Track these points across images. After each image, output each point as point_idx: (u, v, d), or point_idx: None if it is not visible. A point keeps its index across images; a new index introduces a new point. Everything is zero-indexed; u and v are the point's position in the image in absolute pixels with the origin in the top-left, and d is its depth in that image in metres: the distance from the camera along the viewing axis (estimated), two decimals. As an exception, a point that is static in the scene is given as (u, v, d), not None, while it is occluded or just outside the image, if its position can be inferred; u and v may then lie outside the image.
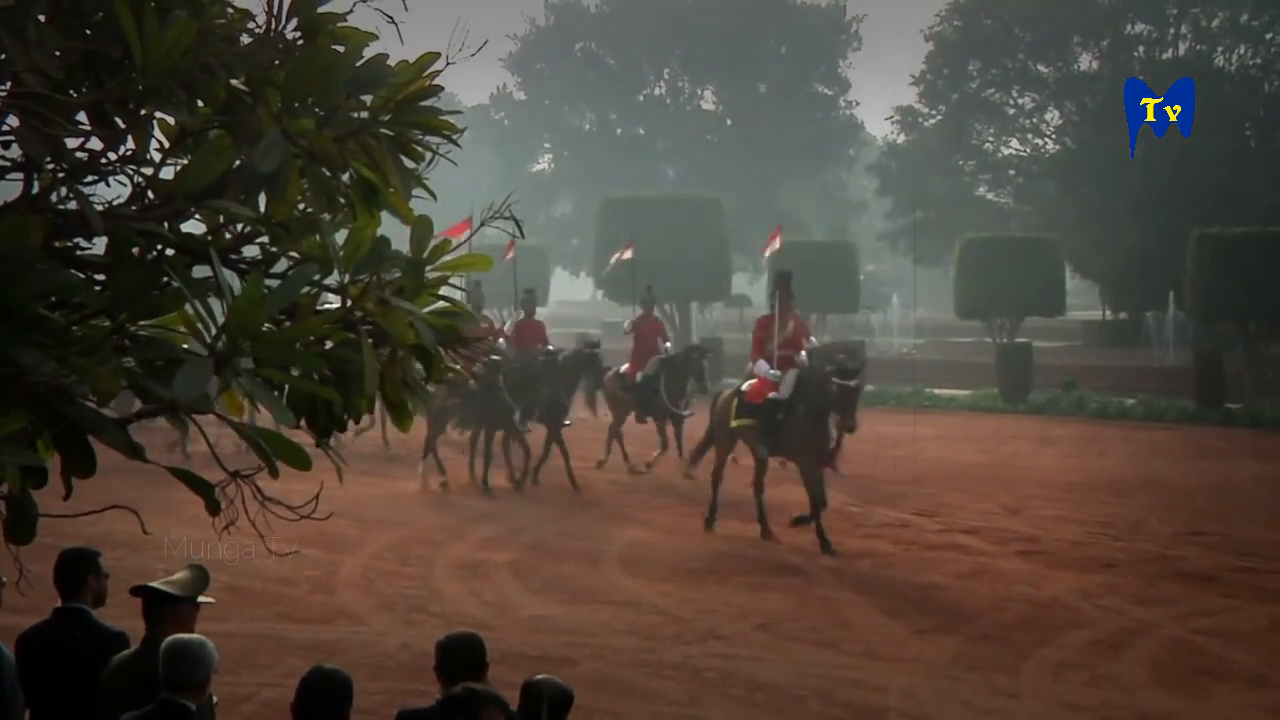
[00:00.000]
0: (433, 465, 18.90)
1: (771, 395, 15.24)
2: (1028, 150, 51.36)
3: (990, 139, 51.62)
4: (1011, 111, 50.77)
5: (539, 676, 5.40)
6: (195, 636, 4.92)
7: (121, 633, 5.66)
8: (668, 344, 21.76)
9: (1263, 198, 40.45)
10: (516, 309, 21.59)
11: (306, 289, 3.33)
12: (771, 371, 15.42)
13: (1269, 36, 45.59)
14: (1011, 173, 51.42)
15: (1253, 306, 30.64)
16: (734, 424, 15.74)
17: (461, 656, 5.37)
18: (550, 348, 19.39)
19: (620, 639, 11.12)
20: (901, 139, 53.41)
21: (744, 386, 15.99)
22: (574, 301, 70.92)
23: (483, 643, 5.52)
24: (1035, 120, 50.91)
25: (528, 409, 18.55)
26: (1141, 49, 47.29)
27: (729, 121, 58.90)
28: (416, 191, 3.72)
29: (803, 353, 16.12)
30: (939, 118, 50.96)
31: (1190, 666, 10.44)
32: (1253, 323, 31.40)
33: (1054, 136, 50.54)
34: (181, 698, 4.74)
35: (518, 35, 60.75)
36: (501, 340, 20.11)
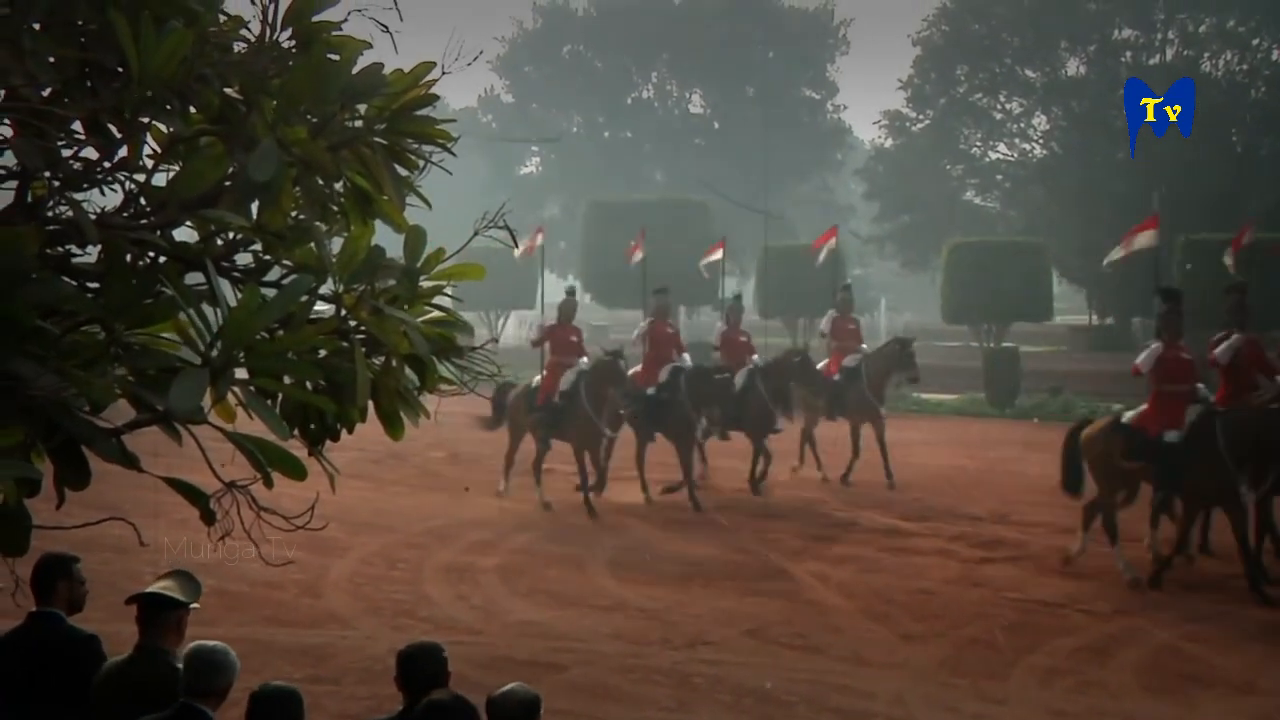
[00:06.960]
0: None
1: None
2: (1015, 155, 51.44)
3: (978, 144, 51.68)
4: (999, 116, 50.83)
5: (503, 689, 5.07)
6: (219, 644, 4.91)
7: (93, 635, 5.60)
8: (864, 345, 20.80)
9: (1249, 203, 40.57)
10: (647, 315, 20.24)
11: (302, 298, 3.33)
12: None
13: (1256, 42, 45.71)
14: (999, 177, 51.49)
15: (1239, 312, 30.73)
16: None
17: (424, 667, 5.35)
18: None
19: (608, 644, 11.11)
20: (889, 143, 53.44)
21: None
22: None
23: (444, 652, 5.50)
24: (1022, 125, 50.97)
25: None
26: (1129, 54, 47.39)
27: (716, 125, 58.90)
28: (411, 200, 3.72)
29: None
30: (926, 122, 51.01)
31: (1178, 673, 10.46)
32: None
33: (1041, 141, 50.63)
34: (202, 704, 4.74)
35: (505, 38, 60.85)
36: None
